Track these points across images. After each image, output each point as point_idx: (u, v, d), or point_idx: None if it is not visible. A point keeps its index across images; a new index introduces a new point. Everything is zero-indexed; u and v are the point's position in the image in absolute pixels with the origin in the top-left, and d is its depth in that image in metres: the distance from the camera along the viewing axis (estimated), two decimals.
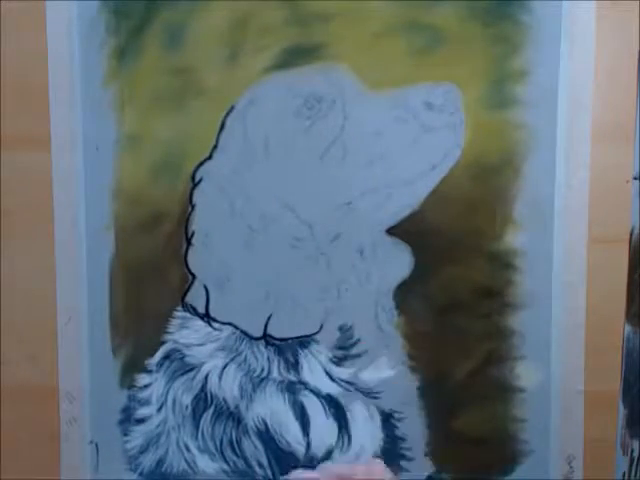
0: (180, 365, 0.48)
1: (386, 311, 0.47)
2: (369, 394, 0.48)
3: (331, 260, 0.47)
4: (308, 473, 0.45)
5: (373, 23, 0.46)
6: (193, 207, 0.48)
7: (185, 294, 0.48)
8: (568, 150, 0.46)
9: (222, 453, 0.48)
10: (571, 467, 0.48)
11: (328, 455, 0.48)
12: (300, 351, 0.48)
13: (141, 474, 0.49)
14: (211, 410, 0.48)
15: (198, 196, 0.48)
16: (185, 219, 0.48)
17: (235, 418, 0.48)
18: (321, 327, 0.48)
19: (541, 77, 0.46)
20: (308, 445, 0.48)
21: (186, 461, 0.49)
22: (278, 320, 0.48)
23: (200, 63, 0.47)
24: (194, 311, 0.48)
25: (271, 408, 0.48)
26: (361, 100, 0.46)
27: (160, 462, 0.49)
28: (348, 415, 0.48)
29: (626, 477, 0.48)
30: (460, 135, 0.46)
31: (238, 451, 0.48)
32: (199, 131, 0.47)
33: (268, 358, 0.48)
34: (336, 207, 0.47)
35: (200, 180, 0.47)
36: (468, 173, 0.46)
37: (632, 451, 0.48)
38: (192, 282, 0.48)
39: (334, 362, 0.48)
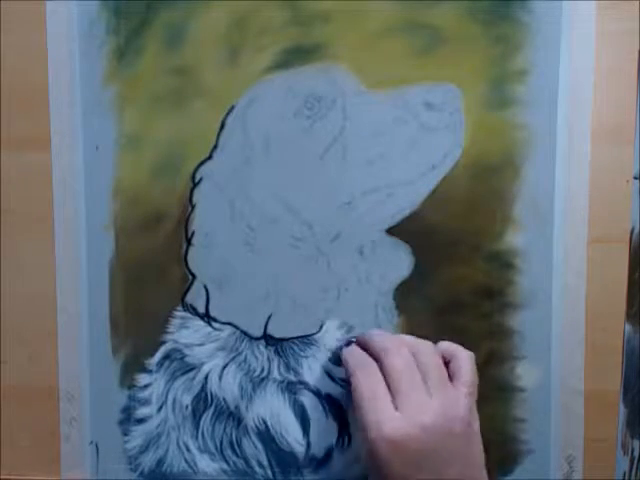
0: (180, 365, 0.48)
1: (386, 311, 0.47)
2: None
3: (331, 260, 0.47)
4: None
5: (373, 23, 0.46)
6: (193, 207, 0.48)
7: (185, 294, 0.48)
8: (568, 150, 0.46)
9: (222, 453, 0.48)
10: (571, 467, 0.48)
11: (328, 455, 0.48)
12: (300, 351, 0.48)
13: (141, 474, 0.49)
14: (211, 410, 0.48)
15: (198, 196, 0.48)
16: (185, 219, 0.48)
17: (235, 418, 0.48)
18: (321, 327, 0.48)
19: (541, 77, 0.46)
20: (308, 445, 0.48)
21: (186, 461, 0.49)
22: (278, 320, 0.48)
23: (200, 63, 0.47)
24: (194, 311, 0.48)
25: (271, 408, 0.48)
26: (361, 100, 0.46)
27: (160, 462, 0.49)
28: (348, 415, 0.48)
29: (626, 477, 0.48)
30: (460, 135, 0.46)
31: (238, 451, 0.48)
32: (199, 131, 0.47)
33: (268, 358, 0.48)
34: (336, 207, 0.47)
35: (200, 180, 0.47)
36: (468, 173, 0.46)
37: (632, 451, 0.48)
38: (192, 282, 0.48)
39: (334, 362, 0.48)
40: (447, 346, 0.43)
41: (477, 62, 0.46)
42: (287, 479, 0.48)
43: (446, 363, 0.42)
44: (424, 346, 0.42)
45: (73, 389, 0.49)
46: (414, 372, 0.40)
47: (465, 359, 0.42)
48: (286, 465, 0.48)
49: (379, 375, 0.41)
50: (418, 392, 0.40)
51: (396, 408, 0.39)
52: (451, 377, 0.41)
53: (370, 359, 0.42)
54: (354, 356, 0.43)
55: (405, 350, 0.41)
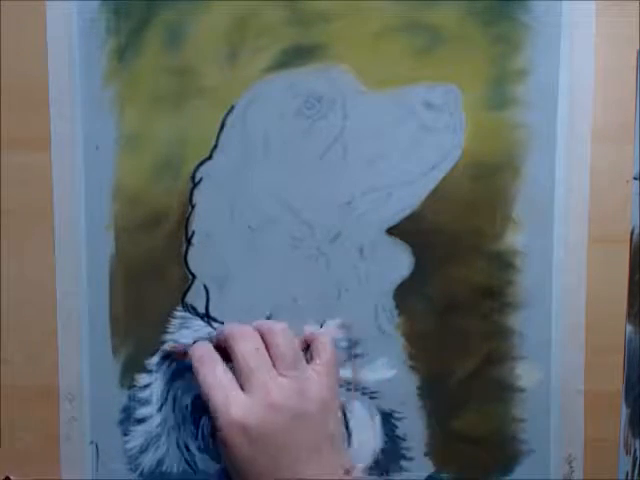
0: (180, 365, 0.48)
1: (386, 311, 0.47)
2: (369, 394, 0.48)
3: (331, 260, 0.47)
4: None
5: (373, 23, 0.46)
6: (193, 207, 0.48)
7: (185, 294, 0.48)
8: (568, 150, 0.46)
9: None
10: (571, 467, 0.48)
11: None
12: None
13: (141, 474, 0.49)
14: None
15: (198, 196, 0.48)
16: (185, 219, 0.48)
17: None
18: (321, 327, 0.48)
19: (541, 77, 0.46)
20: None
21: (186, 461, 0.49)
22: (278, 320, 0.48)
23: (200, 63, 0.47)
24: (194, 311, 0.48)
25: None
26: (361, 100, 0.46)
27: (160, 462, 0.49)
28: (348, 415, 0.48)
29: (629, 477, 0.48)
30: (460, 135, 0.46)
31: None
32: (199, 131, 0.47)
33: None
34: (336, 207, 0.47)
35: (200, 180, 0.47)
36: (468, 173, 0.46)
37: (635, 451, 0.48)
38: (192, 282, 0.48)
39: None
40: (309, 332, 0.43)
41: (477, 62, 0.46)
42: None
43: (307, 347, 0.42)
44: (277, 329, 0.41)
45: (73, 389, 0.49)
46: (262, 355, 0.39)
47: (324, 340, 0.42)
48: None
49: (221, 363, 0.40)
50: (267, 373, 0.39)
51: (244, 391, 0.38)
52: (311, 358, 0.41)
53: (211, 350, 0.41)
54: (196, 351, 0.41)
55: (252, 334, 0.40)
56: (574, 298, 0.47)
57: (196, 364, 0.41)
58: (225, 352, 0.41)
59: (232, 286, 0.48)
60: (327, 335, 0.43)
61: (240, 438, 0.37)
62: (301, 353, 0.41)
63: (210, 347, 0.41)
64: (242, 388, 0.39)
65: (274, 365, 0.39)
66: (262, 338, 0.40)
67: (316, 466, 0.38)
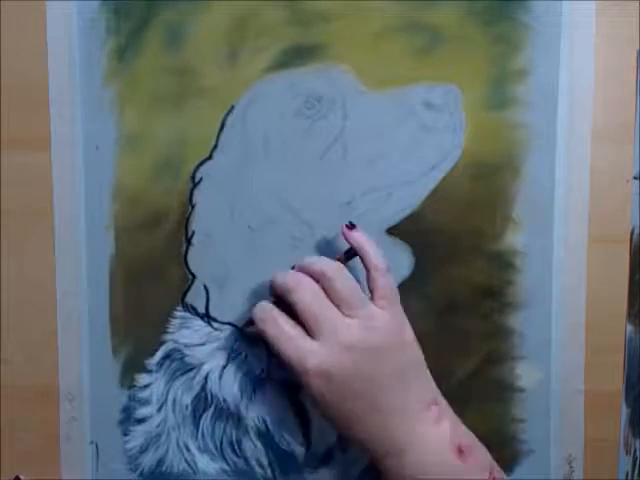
0: (180, 365, 0.48)
1: None
2: None
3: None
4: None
5: (373, 23, 0.46)
6: (193, 207, 0.48)
7: (185, 294, 0.48)
8: (568, 150, 0.46)
9: (222, 453, 0.48)
10: (571, 467, 0.48)
11: (328, 455, 0.48)
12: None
13: (141, 474, 0.49)
14: (211, 410, 0.48)
15: (198, 196, 0.48)
16: (185, 219, 0.48)
17: (235, 418, 0.48)
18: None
19: (541, 77, 0.46)
20: (308, 445, 0.48)
21: (186, 461, 0.49)
22: None
23: (200, 63, 0.47)
24: (194, 311, 0.48)
25: (271, 408, 0.48)
26: (361, 100, 0.46)
27: (160, 462, 0.49)
28: None
29: (629, 477, 0.48)
30: (460, 135, 0.46)
31: (238, 451, 0.48)
32: (199, 131, 0.47)
33: (268, 358, 0.48)
34: (336, 207, 0.47)
35: (200, 180, 0.47)
36: (468, 173, 0.46)
37: (635, 451, 0.48)
38: (192, 282, 0.48)
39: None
40: (368, 257, 0.42)
41: (477, 62, 0.46)
42: (287, 479, 0.48)
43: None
44: (333, 271, 0.40)
45: (73, 389, 0.49)
46: (322, 299, 0.39)
47: (378, 271, 0.41)
48: (286, 465, 0.48)
49: (284, 316, 0.40)
50: (332, 317, 0.39)
51: (314, 339, 0.39)
52: (371, 292, 0.41)
53: (271, 307, 0.41)
54: (257, 313, 0.41)
55: (307, 281, 0.40)
56: (574, 298, 0.47)
57: (260, 324, 0.41)
58: (285, 304, 0.41)
59: (232, 286, 0.48)
60: (382, 263, 0.41)
61: (321, 385, 0.38)
62: (359, 289, 0.41)
63: (269, 305, 0.41)
64: (311, 336, 0.39)
65: (338, 308, 0.39)
66: (317, 281, 0.40)
67: (396, 398, 0.39)
